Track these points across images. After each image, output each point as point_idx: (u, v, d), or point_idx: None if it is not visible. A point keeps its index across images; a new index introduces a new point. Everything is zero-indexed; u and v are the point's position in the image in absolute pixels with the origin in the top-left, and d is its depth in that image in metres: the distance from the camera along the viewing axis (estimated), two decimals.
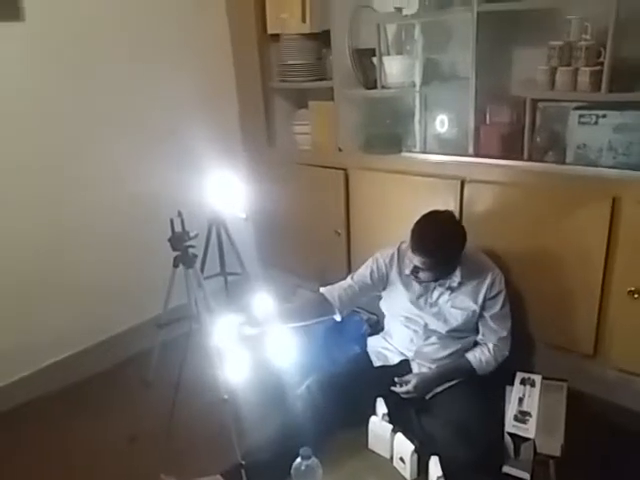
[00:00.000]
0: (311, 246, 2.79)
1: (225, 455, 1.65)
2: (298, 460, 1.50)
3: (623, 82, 1.78)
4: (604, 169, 1.86)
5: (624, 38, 1.77)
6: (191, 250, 1.58)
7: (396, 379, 1.93)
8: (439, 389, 1.93)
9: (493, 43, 2.03)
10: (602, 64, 1.78)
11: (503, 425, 1.78)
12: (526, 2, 1.89)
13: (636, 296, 1.83)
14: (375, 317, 2.49)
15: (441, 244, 1.84)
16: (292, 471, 1.51)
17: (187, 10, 2.56)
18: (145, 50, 2.41)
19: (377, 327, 2.38)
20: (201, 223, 1.96)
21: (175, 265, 1.61)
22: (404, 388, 1.90)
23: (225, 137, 2.85)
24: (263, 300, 1.96)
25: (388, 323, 2.16)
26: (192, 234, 1.58)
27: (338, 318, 2.07)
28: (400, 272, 2.02)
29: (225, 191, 1.93)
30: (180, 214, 1.55)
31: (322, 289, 2.09)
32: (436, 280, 1.93)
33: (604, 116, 1.84)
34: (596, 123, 1.86)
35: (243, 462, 1.57)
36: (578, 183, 1.91)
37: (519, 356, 2.14)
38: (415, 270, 1.88)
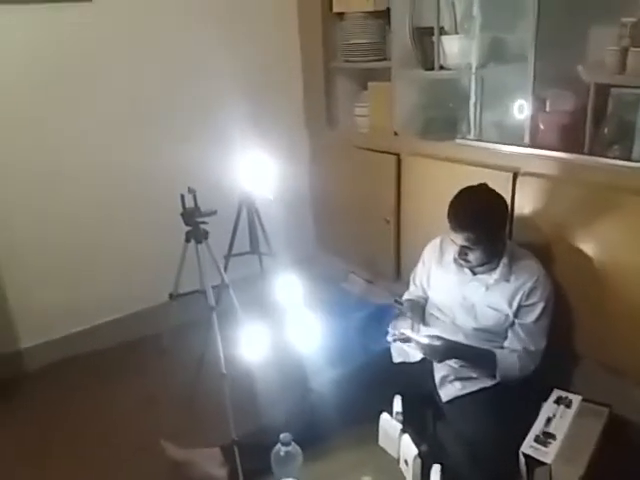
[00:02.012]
0: (362, 232, 2.73)
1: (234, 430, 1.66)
2: (278, 446, 1.49)
3: None
4: None
5: None
6: (202, 226, 1.61)
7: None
8: (460, 392, 1.79)
9: (558, 20, 1.79)
10: None
11: None
12: None
13: None
14: None
15: (479, 213, 1.72)
16: (272, 456, 1.50)
17: None
18: (212, 24, 2.44)
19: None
20: (233, 201, 2.00)
21: (187, 240, 1.65)
22: (422, 339, 1.76)
23: (288, 116, 2.87)
24: (292, 284, 1.96)
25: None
26: (206, 210, 1.61)
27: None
28: (439, 260, 1.95)
29: (258, 171, 1.93)
30: (191, 190, 1.58)
31: (407, 296, 2.10)
32: (486, 263, 1.79)
33: None
34: None
35: (236, 438, 1.59)
36: None
37: (559, 372, 1.94)
38: (463, 253, 1.76)
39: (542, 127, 1.91)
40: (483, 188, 1.79)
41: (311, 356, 1.97)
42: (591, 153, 1.79)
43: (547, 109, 1.92)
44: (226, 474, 1.66)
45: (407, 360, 1.93)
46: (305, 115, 2.96)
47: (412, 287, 2.11)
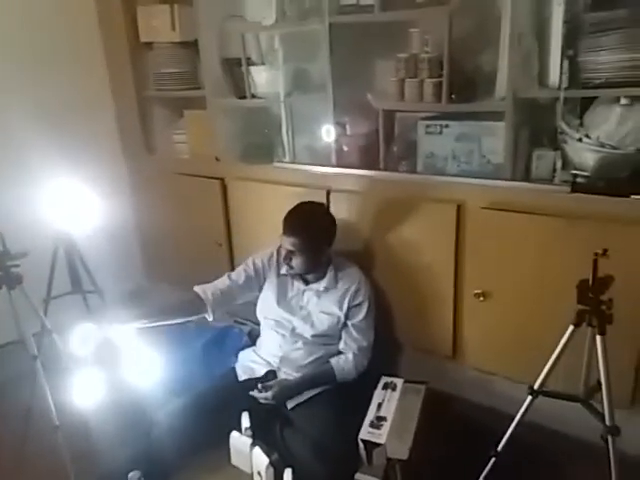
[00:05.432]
0: (194, 257, 2.74)
1: None
2: None
3: (462, 93, 1.85)
4: (449, 177, 1.92)
5: (463, 50, 1.84)
6: (15, 270, 1.50)
7: (259, 385, 1.91)
8: (302, 398, 1.92)
9: (348, 54, 2.05)
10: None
11: None
12: (372, 15, 1.92)
13: (481, 299, 1.90)
14: (258, 327, 2.47)
15: (308, 221, 1.94)
16: None
17: (53, 18, 2.49)
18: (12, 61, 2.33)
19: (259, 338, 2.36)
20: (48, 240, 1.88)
21: None
22: (263, 394, 1.88)
23: (103, 147, 2.77)
24: (123, 320, 1.89)
25: (261, 330, 2.16)
26: (17, 253, 1.49)
27: (210, 318, 2.05)
28: (277, 273, 2.06)
29: (73, 205, 1.84)
30: None
31: (196, 287, 2.08)
32: (310, 272, 1.97)
33: (447, 126, 1.90)
34: (440, 133, 1.92)
35: None
36: (427, 192, 1.97)
37: (388, 360, 2.19)
38: (288, 257, 1.92)
39: (346, 148, 2.16)
40: (317, 204, 2.03)
41: (152, 391, 1.93)
42: (386, 169, 2.08)
43: (348, 132, 2.18)
44: None
45: (252, 376, 2.00)
46: (121, 145, 2.89)
47: (223, 281, 2.07)
